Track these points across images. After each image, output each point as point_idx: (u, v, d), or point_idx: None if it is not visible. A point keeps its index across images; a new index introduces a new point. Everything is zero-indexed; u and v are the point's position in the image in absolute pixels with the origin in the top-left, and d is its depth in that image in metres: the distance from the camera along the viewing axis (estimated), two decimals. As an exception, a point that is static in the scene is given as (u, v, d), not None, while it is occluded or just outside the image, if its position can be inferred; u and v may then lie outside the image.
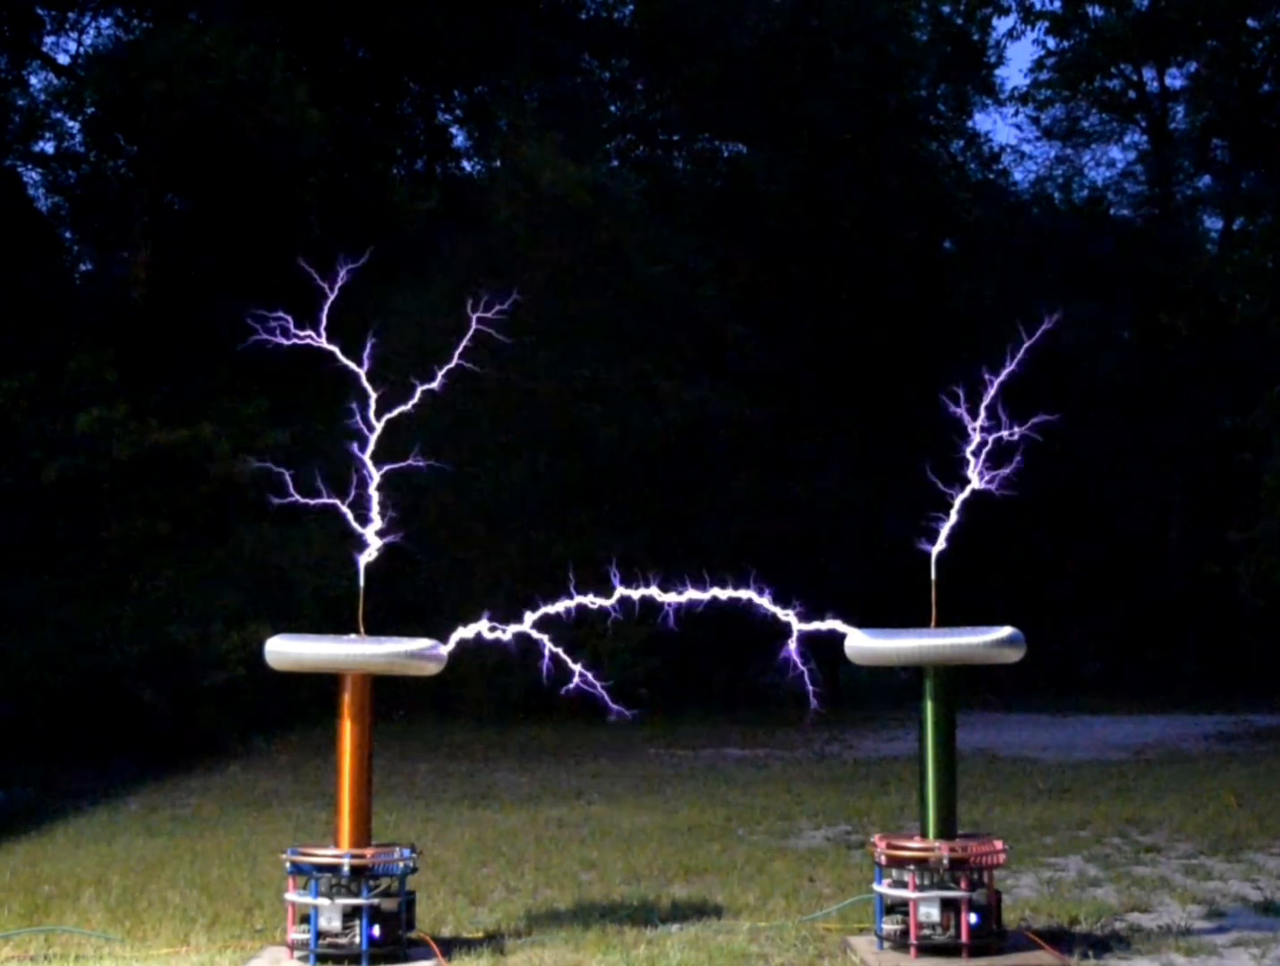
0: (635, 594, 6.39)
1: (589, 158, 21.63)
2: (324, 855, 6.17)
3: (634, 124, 26.81)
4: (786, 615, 6.33)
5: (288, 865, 6.22)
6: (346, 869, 6.07)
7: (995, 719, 17.91)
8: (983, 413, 6.51)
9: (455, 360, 6.62)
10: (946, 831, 6.26)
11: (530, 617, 6.47)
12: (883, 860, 6.26)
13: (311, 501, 6.55)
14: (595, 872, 8.29)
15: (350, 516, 6.54)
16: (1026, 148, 40.49)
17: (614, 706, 6.41)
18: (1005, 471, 6.52)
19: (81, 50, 23.84)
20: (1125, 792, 11.53)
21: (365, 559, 6.58)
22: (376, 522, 6.55)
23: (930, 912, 6.05)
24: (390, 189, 23.29)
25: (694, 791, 12.02)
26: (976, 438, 6.53)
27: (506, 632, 6.47)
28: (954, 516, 6.50)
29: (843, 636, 6.45)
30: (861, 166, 24.19)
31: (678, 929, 6.72)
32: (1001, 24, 38.55)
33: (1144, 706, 20.13)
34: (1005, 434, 6.48)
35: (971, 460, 6.55)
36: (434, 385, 6.72)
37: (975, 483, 6.55)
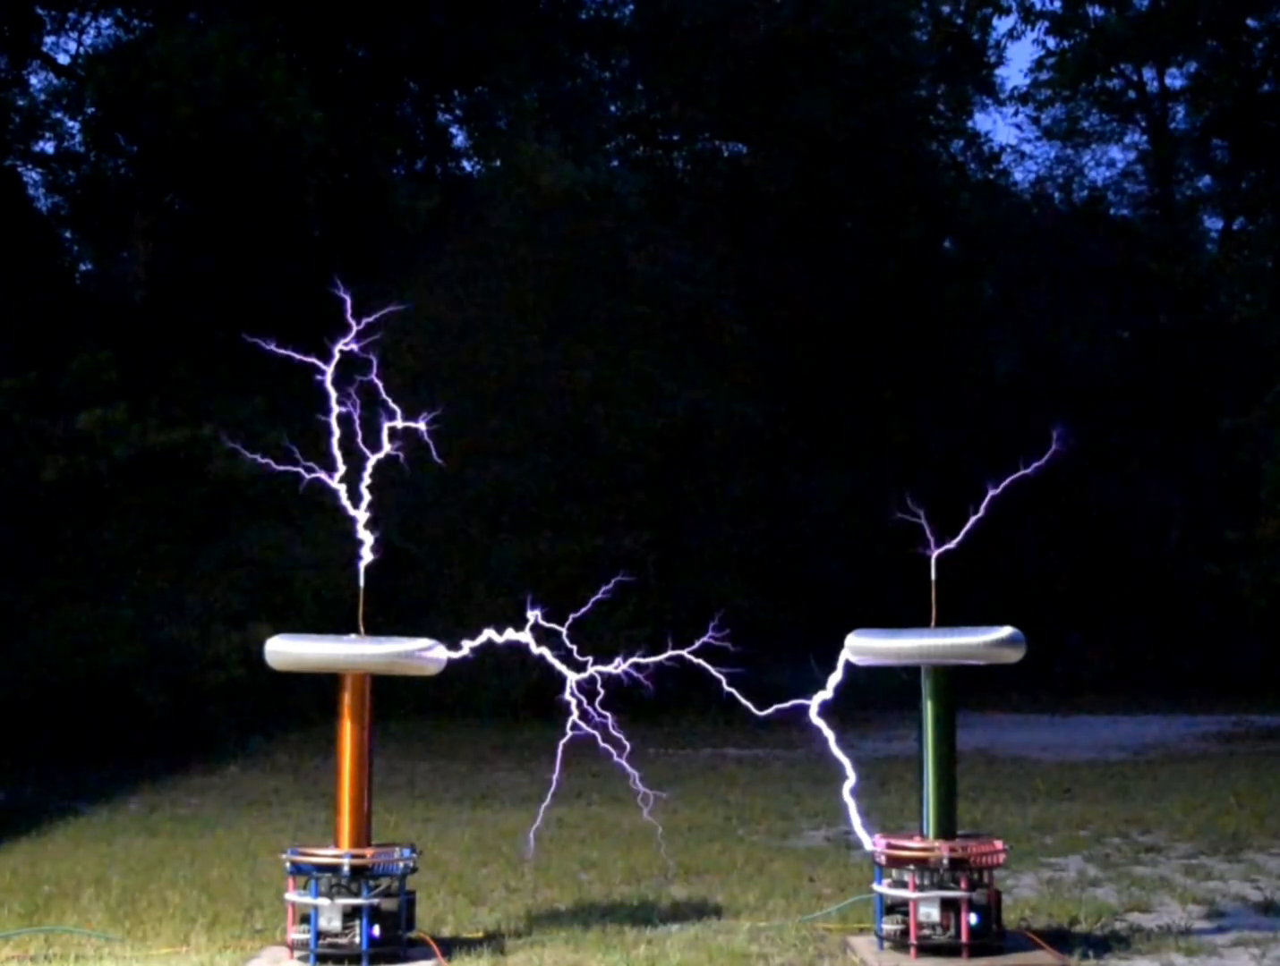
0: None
1: (589, 158, 21.65)
2: (324, 855, 6.17)
3: (634, 124, 26.82)
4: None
5: (288, 865, 6.22)
6: (346, 869, 6.07)
7: (995, 719, 17.90)
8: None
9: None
10: (946, 831, 6.26)
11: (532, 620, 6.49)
12: (883, 860, 6.26)
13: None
14: (595, 872, 8.29)
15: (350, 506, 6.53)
16: (1026, 148, 40.42)
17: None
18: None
19: (81, 50, 23.87)
20: (1125, 792, 11.52)
21: (365, 559, 6.57)
22: (362, 519, 6.54)
23: (930, 912, 6.05)
24: (390, 189, 23.29)
25: (694, 791, 12.01)
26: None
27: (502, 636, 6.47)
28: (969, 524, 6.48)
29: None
30: (861, 166, 24.19)
31: (678, 929, 6.71)
32: (1001, 24, 38.48)
33: (1144, 706, 20.11)
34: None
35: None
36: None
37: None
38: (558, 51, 24.94)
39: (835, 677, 6.40)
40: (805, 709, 6.47)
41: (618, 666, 6.64)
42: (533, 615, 6.46)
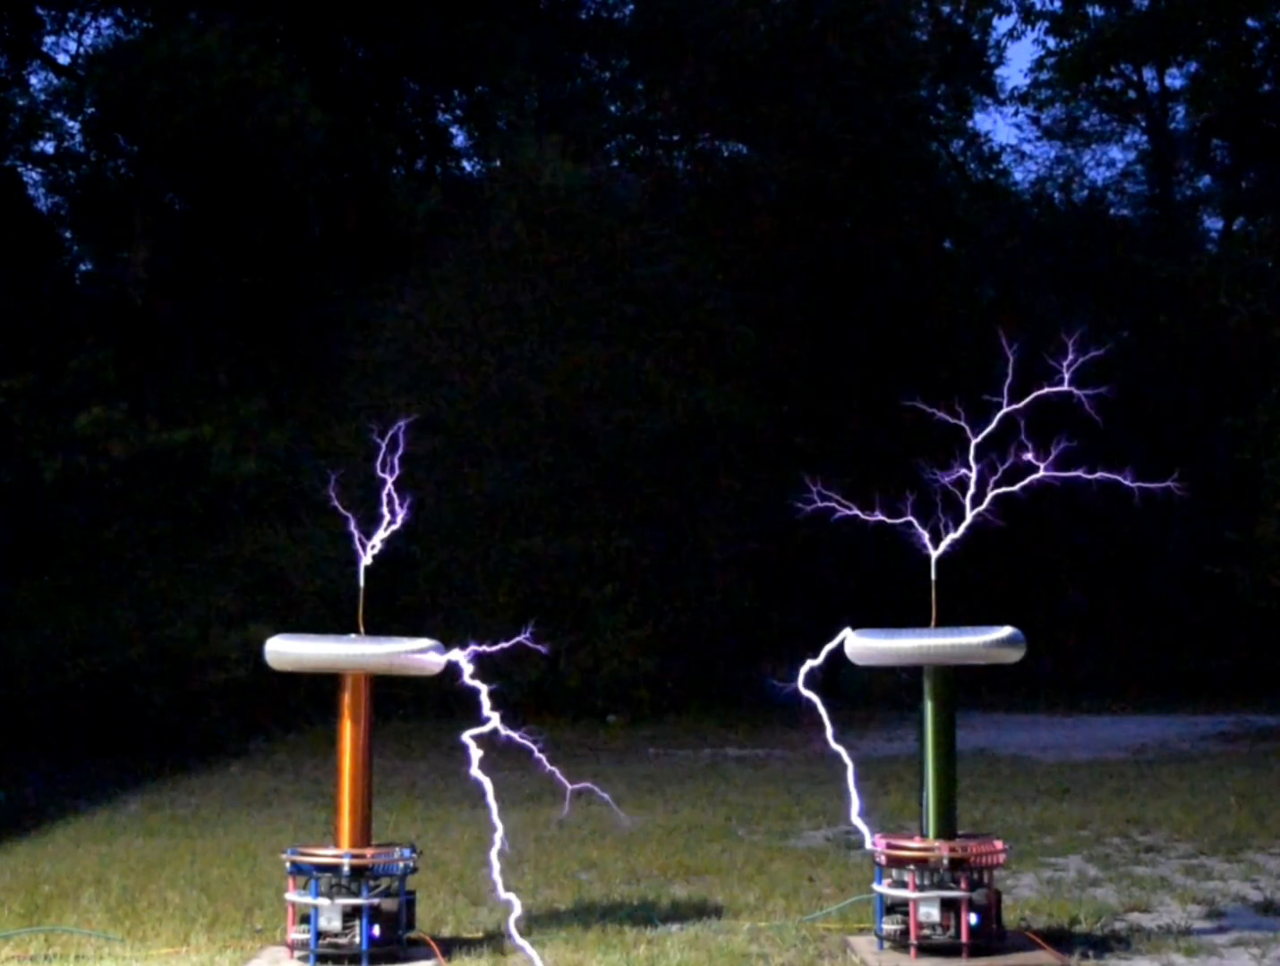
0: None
1: (589, 158, 21.63)
2: (324, 855, 6.17)
3: (634, 124, 26.80)
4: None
5: (288, 865, 6.22)
6: (346, 869, 6.08)
7: (995, 719, 17.90)
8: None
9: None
10: (946, 831, 6.26)
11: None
12: (883, 860, 6.26)
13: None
14: (595, 872, 8.29)
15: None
16: (1026, 148, 40.43)
17: None
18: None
19: (81, 50, 23.92)
20: (1125, 792, 11.52)
21: (365, 559, 6.58)
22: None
23: (930, 912, 6.05)
24: (390, 189, 23.30)
25: (694, 791, 12.01)
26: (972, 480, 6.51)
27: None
28: (963, 526, 6.49)
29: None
30: (861, 166, 24.17)
31: (678, 929, 6.71)
32: (1001, 24, 38.59)
33: (1144, 706, 20.12)
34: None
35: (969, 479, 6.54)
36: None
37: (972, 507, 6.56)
38: (558, 51, 24.95)
39: (830, 646, 6.38)
40: (811, 704, 6.45)
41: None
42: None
